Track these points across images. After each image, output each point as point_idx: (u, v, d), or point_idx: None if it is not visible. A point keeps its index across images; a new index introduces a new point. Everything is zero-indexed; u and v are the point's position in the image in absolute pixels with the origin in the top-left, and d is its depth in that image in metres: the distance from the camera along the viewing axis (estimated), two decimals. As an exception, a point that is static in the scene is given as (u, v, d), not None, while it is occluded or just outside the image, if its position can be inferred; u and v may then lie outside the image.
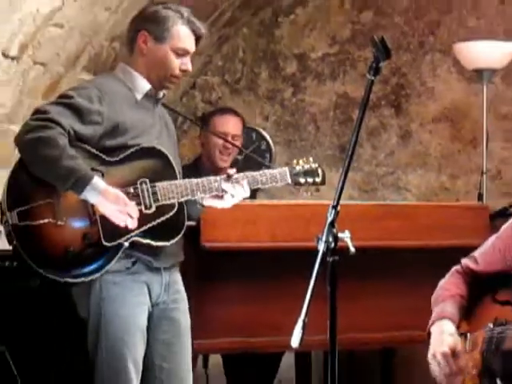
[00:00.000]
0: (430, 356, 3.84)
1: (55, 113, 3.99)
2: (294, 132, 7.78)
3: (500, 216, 5.61)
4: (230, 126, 6.01)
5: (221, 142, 5.91)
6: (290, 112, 7.80)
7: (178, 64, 4.33)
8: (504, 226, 4.07)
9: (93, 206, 4.07)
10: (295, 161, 4.47)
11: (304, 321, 3.44)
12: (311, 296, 3.49)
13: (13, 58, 4.91)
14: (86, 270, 4.13)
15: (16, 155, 5.12)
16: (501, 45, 7.05)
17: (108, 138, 4.17)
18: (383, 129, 7.83)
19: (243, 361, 6.07)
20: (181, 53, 4.33)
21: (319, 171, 4.47)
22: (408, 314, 5.18)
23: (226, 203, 4.37)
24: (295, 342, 3.44)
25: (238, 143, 6.04)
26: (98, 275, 4.12)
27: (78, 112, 4.05)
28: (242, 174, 4.39)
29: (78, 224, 4.15)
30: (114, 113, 4.16)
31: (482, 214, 5.72)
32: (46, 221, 4.06)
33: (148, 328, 4.35)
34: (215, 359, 6.16)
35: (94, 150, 4.13)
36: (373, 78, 3.71)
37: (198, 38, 4.39)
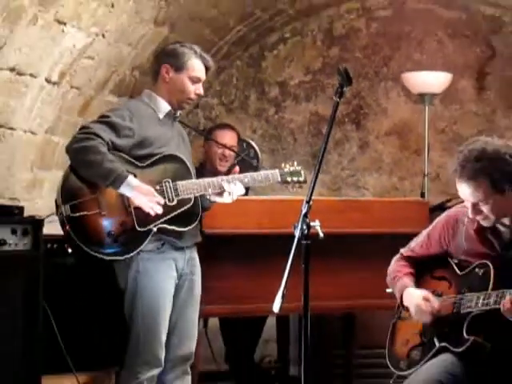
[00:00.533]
0: (414, 312, 3.89)
1: (97, 128, 4.14)
2: (276, 142, 7.76)
3: (438, 210, 5.61)
4: (228, 138, 6.01)
5: (220, 151, 5.92)
6: (273, 127, 7.79)
7: (193, 89, 4.46)
8: (437, 219, 4.11)
9: (128, 199, 4.18)
10: (283, 164, 4.58)
11: (283, 291, 3.48)
12: (289, 272, 3.51)
13: (54, 83, 4.89)
14: (124, 250, 4.23)
15: (55, 160, 5.11)
16: (439, 75, 7.07)
17: (138, 148, 4.30)
18: (346, 140, 7.81)
19: (235, 323, 6.04)
20: (195, 80, 4.45)
21: (302, 172, 4.54)
22: (364, 286, 5.20)
23: (226, 199, 4.43)
24: (276, 307, 3.48)
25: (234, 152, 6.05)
26: (132, 254, 4.23)
27: (114, 128, 4.19)
28: (243, 174, 4.57)
29: (117, 214, 4.23)
30: (141, 129, 4.29)
31: (424, 208, 5.75)
32: (92, 212, 4.17)
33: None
34: (213, 321, 6.13)
35: (128, 158, 4.26)
36: (338, 100, 3.73)
37: (207, 69, 4.50)
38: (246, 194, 5.70)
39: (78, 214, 4.15)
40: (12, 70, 4.42)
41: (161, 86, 4.48)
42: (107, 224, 4.22)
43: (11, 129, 4.68)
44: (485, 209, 3.68)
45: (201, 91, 4.53)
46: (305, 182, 4.54)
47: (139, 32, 5.38)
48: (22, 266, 3.88)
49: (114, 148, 4.19)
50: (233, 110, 7.77)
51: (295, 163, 4.60)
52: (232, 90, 7.77)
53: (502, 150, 3.69)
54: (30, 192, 5.10)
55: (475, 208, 3.68)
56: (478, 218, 3.71)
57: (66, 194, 4.20)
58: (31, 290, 3.88)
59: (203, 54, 4.52)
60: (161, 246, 4.34)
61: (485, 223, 3.75)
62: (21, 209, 4.10)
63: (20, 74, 4.51)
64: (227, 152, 5.98)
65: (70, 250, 4.46)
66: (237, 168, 5.14)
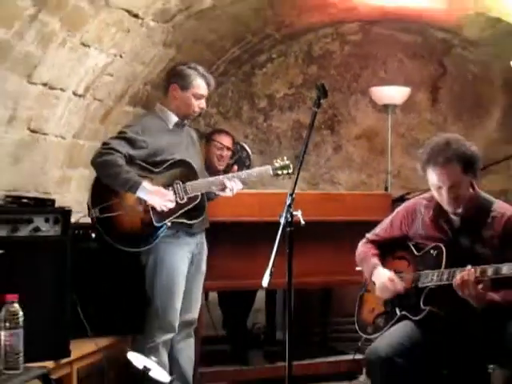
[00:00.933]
0: (380, 290, 3.92)
1: (115, 144, 4.24)
2: (265, 145, 7.75)
3: (399, 201, 5.60)
4: (225, 141, 6.02)
5: (218, 152, 5.93)
6: (262, 132, 7.77)
7: (197, 104, 4.50)
8: (398, 209, 4.14)
9: (145, 200, 4.25)
10: (274, 160, 4.64)
11: (271, 269, 3.47)
12: (276, 253, 3.51)
13: (80, 96, 4.87)
14: (144, 242, 4.33)
15: (81, 160, 5.11)
16: (400, 89, 7.07)
17: (153, 156, 4.37)
18: (323, 143, 7.80)
19: (231, 295, 6.04)
20: (198, 97, 4.49)
21: (290, 165, 4.58)
22: (338, 265, 5.22)
23: (227, 193, 4.52)
24: (265, 283, 3.49)
25: (230, 153, 6.05)
26: (150, 246, 4.33)
27: (130, 142, 4.27)
28: (241, 171, 4.71)
29: (137, 213, 4.32)
30: (154, 141, 4.36)
31: (387, 199, 5.81)
32: (117, 213, 4.28)
33: None
34: (213, 294, 6.13)
35: (145, 165, 4.35)
36: (316, 110, 3.74)
37: (209, 86, 4.53)
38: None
39: (105, 215, 4.27)
40: (45, 84, 4.42)
41: (170, 101, 4.51)
42: (129, 222, 4.32)
43: (44, 134, 4.68)
44: (459, 191, 3.68)
45: (203, 106, 4.57)
46: (293, 173, 4.56)
47: (151, 53, 5.37)
48: (54, 248, 3.88)
49: (130, 158, 4.27)
50: (228, 118, 7.76)
51: (285, 158, 4.65)
52: (228, 102, 7.75)
53: (460, 139, 3.72)
54: (60, 187, 5.10)
55: (451, 191, 3.66)
56: (452, 200, 3.69)
57: (95, 198, 4.31)
58: (61, 267, 3.88)
59: (206, 73, 4.54)
60: (176, 233, 4.41)
61: (452, 208, 3.74)
62: (52, 201, 4.09)
63: (51, 88, 4.50)
64: (225, 153, 6.00)
65: (93, 236, 4.49)
66: (235, 167, 5.25)
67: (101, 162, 4.21)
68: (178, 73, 4.49)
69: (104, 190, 4.28)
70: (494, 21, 6.35)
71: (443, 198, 3.70)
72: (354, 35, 7.80)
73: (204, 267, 4.68)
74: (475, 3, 6.01)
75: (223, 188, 4.48)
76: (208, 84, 4.53)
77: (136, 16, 4.74)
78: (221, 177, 4.54)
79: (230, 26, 6.17)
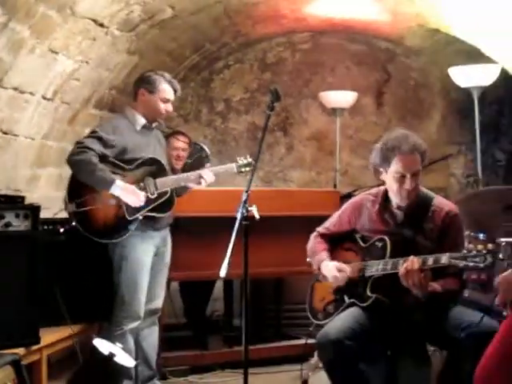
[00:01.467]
0: (331, 278, 3.91)
1: (89, 142, 4.23)
2: (222, 146, 7.74)
3: (346, 198, 5.62)
4: (182, 143, 6.00)
5: (175, 153, 5.91)
6: (220, 134, 7.76)
7: (164, 107, 4.51)
8: (346, 204, 4.17)
9: (118, 196, 4.23)
10: (238, 158, 4.66)
11: (228, 260, 3.47)
12: (233, 245, 3.51)
13: (49, 99, 4.83)
14: (117, 234, 4.33)
15: (49, 160, 5.06)
16: (347, 93, 7.10)
17: (122, 154, 4.36)
18: (276, 144, 7.81)
19: (192, 285, 6.02)
20: (165, 101, 4.51)
21: (252, 163, 4.54)
22: (291, 256, 5.20)
23: (202, 185, 4.58)
24: (223, 273, 3.48)
25: (186, 153, 6.04)
26: (123, 237, 4.34)
27: (102, 141, 4.26)
28: (213, 167, 4.71)
29: (111, 208, 4.33)
30: (122, 140, 4.36)
31: (336, 196, 5.82)
32: (92, 207, 4.29)
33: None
34: (174, 284, 6.10)
35: (118, 162, 4.33)
36: (270, 112, 3.74)
37: (175, 91, 4.56)
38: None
39: (81, 209, 4.27)
40: (15, 89, 4.37)
41: (139, 105, 4.52)
42: (103, 216, 4.33)
43: (15, 135, 4.63)
44: (418, 180, 3.73)
45: (170, 109, 4.58)
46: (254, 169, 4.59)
47: (115, 60, 5.34)
48: (24, 242, 3.86)
49: (103, 156, 4.26)
50: (189, 120, 7.73)
51: (247, 156, 4.66)
52: (188, 105, 7.73)
53: (415, 134, 3.78)
54: (30, 185, 5.05)
55: (413, 179, 3.68)
56: (410, 190, 3.70)
57: (72, 193, 4.32)
58: (31, 260, 3.87)
59: (172, 80, 4.58)
60: (142, 227, 4.40)
61: (405, 199, 3.76)
62: (23, 198, 4.08)
63: (22, 92, 4.46)
64: (181, 153, 5.99)
65: (61, 230, 4.47)
66: (208, 164, 5.34)
67: (76, 160, 4.20)
68: (145, 78, 4.51)
69: (80, 186, 4.28)
70: (433, 32, 6.41)
71: (403, 188, 3.71)
72: (304, 44, 7.83)
73: (168, 260, 4.70)
74: (416, 16, 6.05)
75: (199, 181, 4.52)
76: (174, 89, 4.56)
77: (101, 25, 4.72)
78: (190, 173, 4.58)
79: (189, 35, 6.15)
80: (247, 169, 4.61)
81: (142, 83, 4.50)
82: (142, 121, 4.50)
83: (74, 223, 4.32)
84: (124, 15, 4.79)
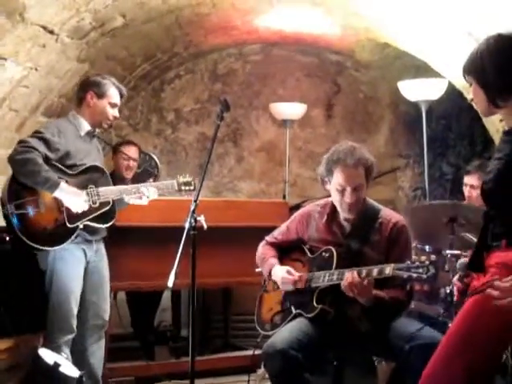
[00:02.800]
0: (281, 284, 3.93)
1: (34, 142, 4.08)
2: (172, 156, 7.73)
3: (295, 209, 5.66)
4: (131, 152, 5.99)
5: (126, 162, 5.89)
6: (169, 144, 7.75)
7: (112, 113, 4.41)
8: (294, 214, 4.19)
9: (61, 200, 4.12)
10: (179, 176, 4.61)
11: (176, 271, 3.46)
12: (180, 256, 3.51)
13: (-4, 107, 4.79)
14: (55, 242, 4.19)
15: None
16: (297, 105, 7.16)
17: (65, 159, 4.23)
18: (226, 155, 7.83)
19: (139, 295, 6.00)
20: (113, 105, 4.41)
21: (192, 182, 4.56)
22: (239, 267, 5.20)
23: (143, 202, 4.46)
24: (170, 283, 3.47)
25: (136, 163, 6.03)
26: (62, 246, 4.18)
27: (47, 143, 4.13)
28: (154, 183, 4.73)
29: (52, 212, 4.18)
30: (66, 144, 4.24)
31: (285, 207, 5.84)
32: (32, 210, 4.12)
33: (84, 276, 4.37)
34: (121, 294, 6.07)
35: (61, 166, 4.20)
36: (219, 122, 3.76)
37: (122, 96, 4.47)
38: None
39: (20, 212, 4.09)
40: (-38, 94, 4.33)
41: (84, 110, 4.40)
42: (44, 220, 4.16)
43: (-39, 142, 4.58)
44: (360, 194, 3.76)
45: (117, 114, 4.48)
46: (194, 189, 4.57)
47: (65, 67, 5.30)
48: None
49: (46, 159, 4.12)
50: (138, 130, 7.71)
51: (187, 175, 4.63)
52: (138, 115, 7.71)
53: (362, 147, 3.83)
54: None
55: (354, 193, 3.73)
56: (351, 203, 3.75)
57: (11, 194, 4.11)
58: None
59: (119, 84, 4.50)
60: (74, 238, 4.26)
61: (348, 212, 3.81)
62: (-32, 206, 4.01)
63: (-31, 98, 4.41)
64: (131, 163, 5.98)
65: (7, 239, 4.39)
66: (150, 179, 5.29)
67: (20, 159, 4.04)
68: (94, 82, 4.41)
69: (20, 187, 4.12)
70: (382, 46, 6.51)
71: (344, 201, 3.76)
72: (255, 55, 7.87)
73: (106, 273, 4.56)
74: (366, 30, 6.13)
75: (140, 196, 4.43)
76: (121, 94, 4.48)
77: (51, 32, 4.68)
78: (134, 185, 4.50)
79: (141, 44, 6.14)
80: (187, 188, 4.59)
81: (90, 87, 4.39)
82: (86, 127, 4.40)
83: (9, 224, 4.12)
84: (74, 23, 4.77)
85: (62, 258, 4.24)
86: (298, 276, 3.86)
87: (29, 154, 4.04)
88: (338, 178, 3.73)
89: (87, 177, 4.31)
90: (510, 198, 2.71)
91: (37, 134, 4.18)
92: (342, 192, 3.74)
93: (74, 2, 4.49)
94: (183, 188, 4.59)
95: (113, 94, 4.42)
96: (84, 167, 4.31)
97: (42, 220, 4.16)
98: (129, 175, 5.94)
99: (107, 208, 4.35)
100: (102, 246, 4.54)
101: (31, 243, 4.12)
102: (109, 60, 5.98)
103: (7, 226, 4.13)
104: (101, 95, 4.38)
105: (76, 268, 4.31)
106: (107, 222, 4.40)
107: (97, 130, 4.51)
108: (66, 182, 4.19)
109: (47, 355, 3.80)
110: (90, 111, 4.40)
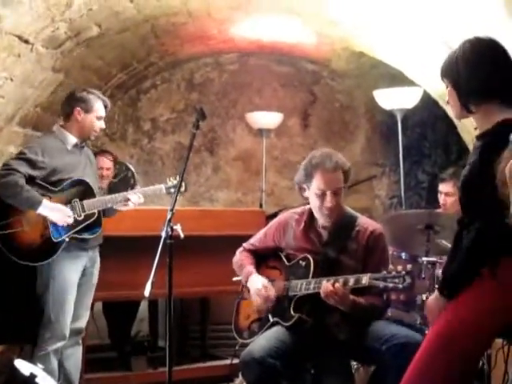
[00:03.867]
0: (254, 295, 3.93)
1: (16, 164, 4.18)
2: (149, 166, 7.71)
3: (272, 217, 5.64)
4: (106, 162, 6.01)
5: (100, 172, 5.90)
6: (146, 153, 7.73)
7: (99, 125, 4.51)
8: (272, 221, 4.22)
9: (45, 217, 4.22)
10: (168, 178, 4.71)
11: (152, 280, 3.47)
12: (157, 265, 3.51)
13: (-29, 116, 4.76)
14: (43, 257, 4.29)
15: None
16: (274, 115, 7.19)
17: (51, 176, 4.32)
18: (203, 164, 7.81)
19: (116, 305, 5.97)
20: (99, 118, 4.50)
21: (183, 183, 4.50)
22: (216, 276, 5.23)
23: (130, 207, 4.57)
24: (147, 293, 3.48)
25: (111, 172, 6.09)
26: (49, 260, 4.29)
27: (30, 162, 4.22)
28: (141, 189, 4.73)
29: (37, 229, 4.28)
30: (52, 161, 4.32)
31: (261, 215, 5.86)
32: (17, 229, 4.25)
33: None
34: (97, 304, 6.04)
35: (44, 184, 4.28)
36: (195, 131, 3.78)
37: (106, 107, 4.55)
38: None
39: (5, 232, 4.22)
40: None
41: (72, 125, 4.48)
42: (29, 238, 4.28)
43: None
44: (339, 198, 3.79)
45: (103, 126, 4.58)
46: (185, 191, 4.69)
47: (40, 77, 5.28)
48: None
49: (30, 178, 4.21)
50: (115, 139, 7.68)
51: (177, 177, 4.66)
52: (114, 124, 7.67)
53: (339, 153, 3.86)
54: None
55: (333, 198, 3.75)
56: (330, 209, 3.77)
57: None
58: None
59: (103, 97, 4.59)
60: (69, 248, 4.36)
61: (326, 218, 3.83)
62: None
63: None
64: (105, 172, 6.02)
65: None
66: (137, 186, 5.35)
67: (2, 182, 4.14)
68: (79, 98, 4.48)
69: (4, 208, 4.22)
70: (358, 55, 6.54)
71: (324, 206, 3.78)
72: (232, 65, 7.88)
73: (95, 281, 4.65)
74: (341, 40, 6.17)
75: (126, 203, 4.52)
76: (105, 106, 4.57)
77: (26, 42, 4.66)
78: (120, 194, 4.54)
79: (116, 54, 6.13)
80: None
81: (77, 103, 4.46)
82: (73, 140, 4.47)
83: None
84: (49, 32, 4.75)
85: (59, 265, 4.33)
86: (273, 294, 3.86)
87: (10, 176, 4.14)
88: (317, 183, 3.75)
89: (71, 191, 4.39)
90: (473, 203, 2.73)
91: (19, 155, 4.28)
92: (322, 196, 3.76)
93: (49, 11, 4.47)
94: (172, 190, 4.63)
95: (99, 107, 4.51)
96: (67, 182, 4.37)
97: (27, 237, 4.28)
98: (104, 184, 5.94)
99: (92, 219, 4.42)
100: (97, 254, 4.65)
101: (20, 261, 4.25)
102: (84, 70, 5.96)
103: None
104: (88, 110, 4.47)
105: (71, 277, 4.41)
106: (94, 232, 4.48)
107: (84, 142, 4.58)
108: (50, 198, 4.28)
109: (23, 366, 3.77)
110: (78, 126, 4.48)
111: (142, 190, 4.66)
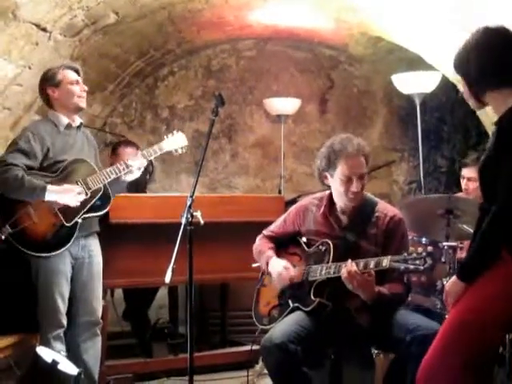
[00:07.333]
0: (276, 277, 3.93)
1: (11, 158, 4.13)
2: (166, 153, 7.68)
3: (291, 203, 5.65)
4: (129, 150, 5.95)
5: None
6: (164, 141, 7.73)
7: (78, 89, 4.38)
8: (291, 208, 4.19)
9: (51, 203, 4.14)
10: (165, 136, 4.80)
11: (173, 266, 3.46)
12: (177, 251, 3.51)
13: (-11, 105, 4.78)
14: (62, 243, 4.24)
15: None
16: (291, 100, 7.15)
17: (45, 160, 4.25)
18: (221, 151, 7.82)
19: (135, 292, 5.98)
20: (72, 83, 4.37)
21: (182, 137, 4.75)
22: (236, 262, 5.19)
23: (136, 174, 4.53)
24: (167, 279, 3.46)
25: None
26: (68, 246, 4.25)
27: (24, 153, 4.17)
28: (140, 152, 4.66)
29: (47, 218, 4.20)
30: (43, 144, 4.24)
31: (280, 201, 5.80)
32: (27, 224, 4.14)
33: (73, 273, 4.37)
34: (118, 292, 6.06)
35: (42, 173, 4.21)
36: (214, 118, 3.75)
37: (77, 71, 4.42)
38: (145, 186, 6.08)
39: (16, 229, 4.12)
40: (-45, 93, 4.31)
41: (55, 105, 4.40)
42: (41, 229, 4.20)
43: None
44: (364, 182, 3.77)
45: (84, 88, 4.44)
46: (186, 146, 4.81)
47: (58, 65, 5.28)
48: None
49: (27, 167, 4.15)
50: (133, 127, 7.69)
51: (174, 132, 4.80)
52: (132, 112, 7.68)
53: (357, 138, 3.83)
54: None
55: (359, 182, 3.74)
56: (357, 193, 3.76)
57: (2, 216, 4.16)
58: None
59: (69, 63, 4.48)
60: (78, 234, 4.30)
61: (352, 202, 3.82)
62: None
63: (-38, 97, 4.40)
64: (129, 163, 5.99)
65: (3, 237, 4.38)
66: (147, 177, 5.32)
67: (2, 179, 4.09)
68: (45, 78, 4.39)
69: (9, 205, 4.15)
70: (375, 39, 6.50)
71: (350, 191, 3.75)
72: (249, 51, 7.86)
73: (96, 269, 4.52)
74: (359, 24, 6.13)
75: (129, 169, 4.43)
76: (75, 70, 4.43)
77: (44, 30, 4.67)
78: (121, 162, 4.46)
79: (134, 41, 6.13)
80: (180, 147, 4.79)
81: (45, 83, 4.38)
82: (64, 120, 4.38)
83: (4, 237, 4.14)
84: (67, 20, 4.76)
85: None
86: (294, 273, 3.86)
87: (8, 172, 4.08)
88: (342, 169, 3.73)
89: (71, 172, 4.29)
90: (490, 187, 2.72)
91: (13, 148, 4.21)
92: (348, 182, 3.74)
93: (67, -1, 4.49)
94: (174, 148, 4.76)
95: (65, 74, 4.37)
96: (65, 164, 4.29)
97: (40, 229, 4.19)
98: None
99: (100, 194, 4.34)
100: (92, 242, 4.50)
101: (40, 254, 4.20)
102: (102, 57, 5.96)
103: (11, 247, 4.18)
104: (57, 84, 4.35)
105: (60, 265, 4.30)
106: (104, 208, 4.41)
107: (79, 121, 4.49)
108: (52, 184, 4.18)
109: (45, 353, 3.79)
110: (59, 103, 4.39)
111: (140, 154, 4.58)
